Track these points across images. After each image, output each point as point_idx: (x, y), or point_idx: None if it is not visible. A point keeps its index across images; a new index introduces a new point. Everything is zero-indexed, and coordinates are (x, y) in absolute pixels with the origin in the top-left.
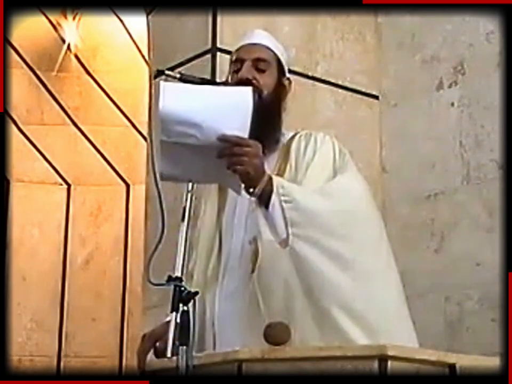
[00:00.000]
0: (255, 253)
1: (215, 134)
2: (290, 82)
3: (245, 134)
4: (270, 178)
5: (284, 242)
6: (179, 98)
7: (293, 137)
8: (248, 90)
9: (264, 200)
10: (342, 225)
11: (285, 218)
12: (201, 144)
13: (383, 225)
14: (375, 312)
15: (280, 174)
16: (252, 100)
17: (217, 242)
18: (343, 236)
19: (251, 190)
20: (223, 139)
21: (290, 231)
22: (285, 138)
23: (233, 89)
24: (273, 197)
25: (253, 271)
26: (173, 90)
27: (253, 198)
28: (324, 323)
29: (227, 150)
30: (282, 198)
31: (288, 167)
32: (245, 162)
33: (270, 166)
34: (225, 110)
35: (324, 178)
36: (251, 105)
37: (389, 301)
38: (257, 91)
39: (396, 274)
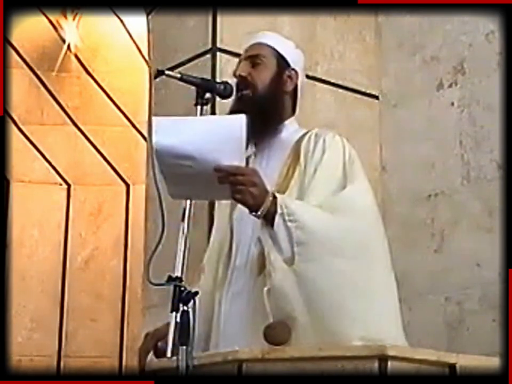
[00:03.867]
0: (261, 254)
1: (211, 164)
2: (297, 72)
3: (241, 162)
4: (275, 197)
5: (290, 261)
6: (172, 132)
7: (303, 136)
8: (241, 118)
9: (269, 220)
10: (346, 243)
11: (290, 237)
12: (200, 174)
13: (385, 237)
14: (379, 330)
15: (290, 174)
16: (245, 127)
17: (228, 241)
18: (348, 255)
19: (253, 214)
20: (219, 169)
21: (295, 250)
22: (295, 136)
23: (225, 119)
24: (277, 217)
25: (259, 273)
26: (166, 124)
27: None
28: (328, 339)
29: (224, 179)
30: (287, 217)
31: (297, 168)
32: (242, 192)
33: (279, 162)
34: (219, 140)
35: (332, 182)
36: (245, 134)
37: (390, 318)
38: (250, 86)
39: (395, 290)
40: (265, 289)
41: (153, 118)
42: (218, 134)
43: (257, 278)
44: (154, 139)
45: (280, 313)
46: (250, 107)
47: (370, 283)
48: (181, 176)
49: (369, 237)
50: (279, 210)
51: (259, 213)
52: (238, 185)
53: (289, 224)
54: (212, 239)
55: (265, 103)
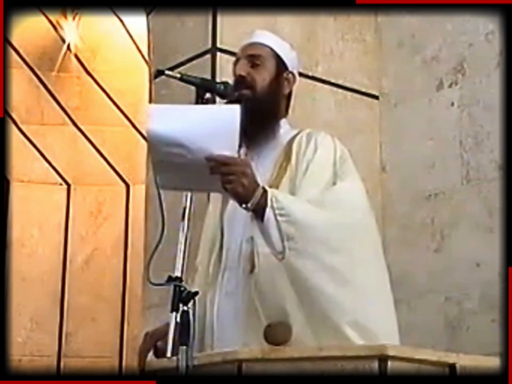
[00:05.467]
0: (253, 252)
1: (204, 154)
2: (294, 76)
3: (234, 152)
4: (265, 191)
5: (280, 255)
6: (167, 120)
7: (295, 136)
8: (235, 108)
9: (259, 213)
10: (337, 238)
11: (280, 231)
12: (192, 163)
13: (378, 234)
14: (372, 326)
15: (281, 173)
16: (239, 118)
17: (219, 240)
18: (338, 249)
19: (243, 205)
20: (211, 159)
21: (286, 244)
22: (287, 136)
23: (220, 108)
24: (268, 210)
25: (251, 271)
26: (161, 112)
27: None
28: (320, 334)
29: (215, 169)
30: (277, 211)
31: (289, 166)
32: (233, 182)
33: (270, 162)
34: (213, 129)
35: (323, 179)
36: (238, 124)
37: (384, 313)
38: (250, 86)
39: (388, 284)
40: (253, 281)
41: (150, 105)
42: (212, 123)
43: (249, 276)
44: (149, 126)
45: (270, 307)
46: (249, 108)
47: (360, 277)
48: (172, 165)
49: (358, 232)
50: (269, 204)
51: (249, 205)
52: (229, 175)
53: (279, 218)
54: (202, 240)
55: (263, 105)
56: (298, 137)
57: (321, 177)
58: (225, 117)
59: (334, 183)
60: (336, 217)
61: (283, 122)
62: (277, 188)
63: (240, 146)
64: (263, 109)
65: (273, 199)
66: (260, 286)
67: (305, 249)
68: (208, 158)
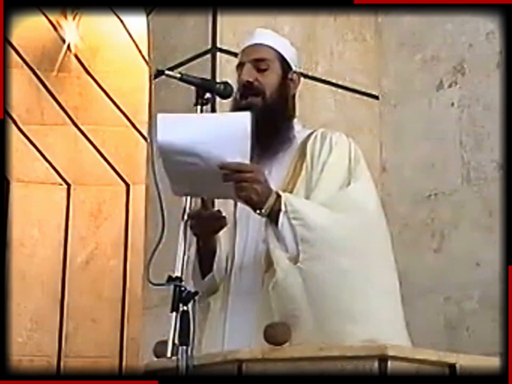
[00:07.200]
0: (268, 252)
1: (216, 161)
2: (299, 76)
3: (246, 159)
4: (279, 196)
5: (294, 259)
6: (177, 129)
7: (309, 135)
8: (246, 115)
9: (273, 218)
10: (352, 241)
11: (294, 236)
12: (204, 171)
13: (389, 235)
14: (381, 333)
15: (296, 173)
16: (250, 125)
17: (232, 239)
18: (351, 253)
19: (258, 211)
20: (224, 167)
21: (300, 248)
22: (301, 136)
23: (231, 116)
24: (282, 215)
25: (266, 270)
26: (170, 121)
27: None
28: (329, 340)
29: (228, 177)
30: (291, 215)
31: (304, 166)
32: (246, 189)
33: (285, 164)
34: (224, 137)
35: (338, 179)
36: (250, 131)
37: (396, 318)
38: (258, 93)
39: (398, 286)
40: (271, 285)
41: (158, 115)
42: (223, 131)
43: (264, 275)
44: (159, 136)
45: (284, 310)
46: (260, 116)
47: (372, 283)
48: (185, 173)
49: (371, 236)
50: (283, 208)
51: (263, 211)
52: (242, 182)
53: (293, 222)
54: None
55: (274, 110)
56: (312, 136)
57: (337, 178)
58: (236, 124)
59: (349, 184)
60: (350, 219)
61: (295, 122)
62: (293, 188)
63: (251, 158)
64: (274, 115)
65: (287, 203)
66: (276, 285)
67: (319, 253)
68: (221, 166)
